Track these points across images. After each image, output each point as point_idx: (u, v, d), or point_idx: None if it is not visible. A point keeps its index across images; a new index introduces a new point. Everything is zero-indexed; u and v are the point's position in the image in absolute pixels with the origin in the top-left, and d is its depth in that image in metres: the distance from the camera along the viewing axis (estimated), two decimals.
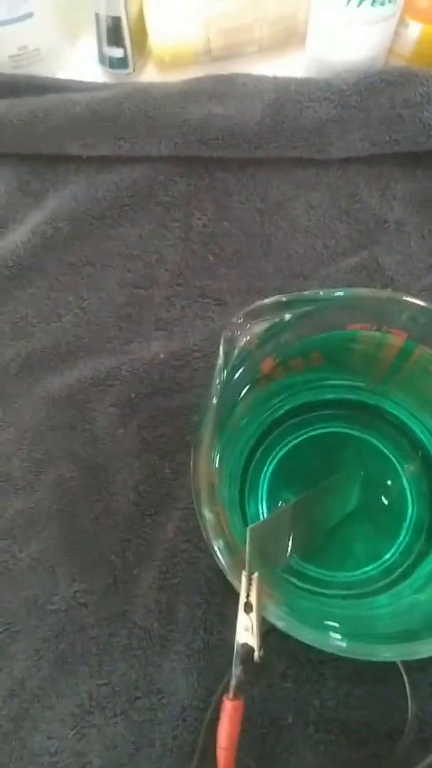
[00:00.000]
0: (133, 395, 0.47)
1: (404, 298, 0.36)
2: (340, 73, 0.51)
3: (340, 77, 0.50)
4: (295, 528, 0.38)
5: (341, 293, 0.36)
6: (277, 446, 0.44)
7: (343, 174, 0.53)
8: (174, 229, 0.51)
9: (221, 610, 0.44)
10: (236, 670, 0.32)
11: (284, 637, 0.43)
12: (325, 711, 0.42)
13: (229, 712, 0.32)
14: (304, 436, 0.45)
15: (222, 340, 0.34)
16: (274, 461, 0.44)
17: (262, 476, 0.44)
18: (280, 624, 0.32)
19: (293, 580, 0.42)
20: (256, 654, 0.31)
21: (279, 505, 0.42)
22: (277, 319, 0.35)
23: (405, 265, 0.51)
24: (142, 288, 0.51)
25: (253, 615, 0.31)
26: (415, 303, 0.36)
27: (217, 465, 0.36)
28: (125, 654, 0.43)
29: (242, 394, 0.38)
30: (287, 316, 0.35)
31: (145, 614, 0.44)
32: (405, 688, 0.42)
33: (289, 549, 0.35)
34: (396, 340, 0.38)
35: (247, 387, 0.38)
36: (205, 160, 0.52)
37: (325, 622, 0.36)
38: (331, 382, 0.44)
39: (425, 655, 0.31)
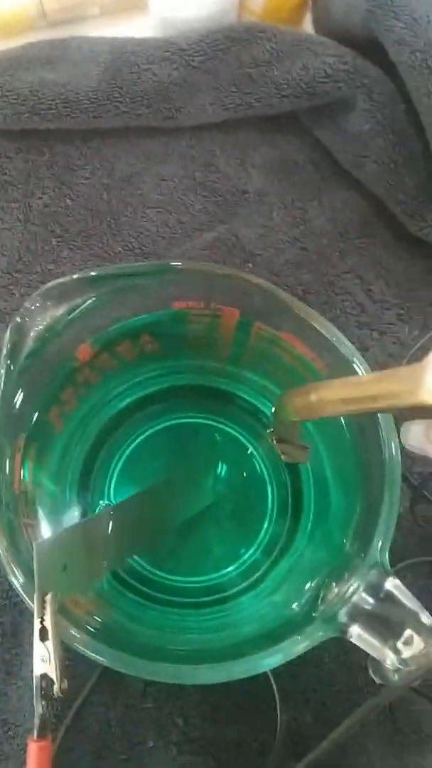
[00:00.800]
0: None
1: (230, 273, 0.32)
2: (184, 32, 0.47)
3: (183, 36, 0.46)
4: (126, 533, 0.33)
5: (158, 266, 0.32)
6: (123, 443, 0.40)
7: (196, 143, 0.49)
8: (11, 211, 0.47)
9: None
10: (38, 707, 0.27)
11: None
12: (189, 730, 0.39)
13: (35, 754, 0.27)
14: (154, 429, 0.41)
15: (9, 328, 0.29)
16: (122, 459, 0.40)
17: (108, 476, 0.40)
18: (100, 660, 0.28)
19: (145, 589, 0.38)
20: (56, 687, 0.27)
21: None
22: (79, 300, 0.31)
23: (267, 239, 0.47)
24: None
25: (50, 642, 0.27)
26: (243, 279, 0.32)
27: (26, 473, 0.32)
28: None
29: (60, 388, 0.34)
30: (93, 296, 0.31)
31: None
32: (274, 698, 0.38)
33: (106, 561, 0.31)
34: (229, 317, 0.34)
35: (64, 378, 0.34)
36: (43, 133, 0.47)
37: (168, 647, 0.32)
38: (174, 368, 0.40)
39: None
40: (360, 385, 0.24)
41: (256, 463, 0.40)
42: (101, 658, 0.27)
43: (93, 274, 0.30)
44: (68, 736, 0.38)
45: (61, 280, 0.30)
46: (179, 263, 0.31)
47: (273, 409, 0.32)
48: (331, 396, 0.26)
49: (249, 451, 0.40)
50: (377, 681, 0.35)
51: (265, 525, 0.40)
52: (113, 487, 0.40)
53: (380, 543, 0.29)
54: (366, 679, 0.39)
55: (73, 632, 0.27)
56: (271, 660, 0.27)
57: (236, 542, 0.40)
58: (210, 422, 0.41)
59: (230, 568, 0.39)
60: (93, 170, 0.48)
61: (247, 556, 0.39)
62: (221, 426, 0.41)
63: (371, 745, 0.39)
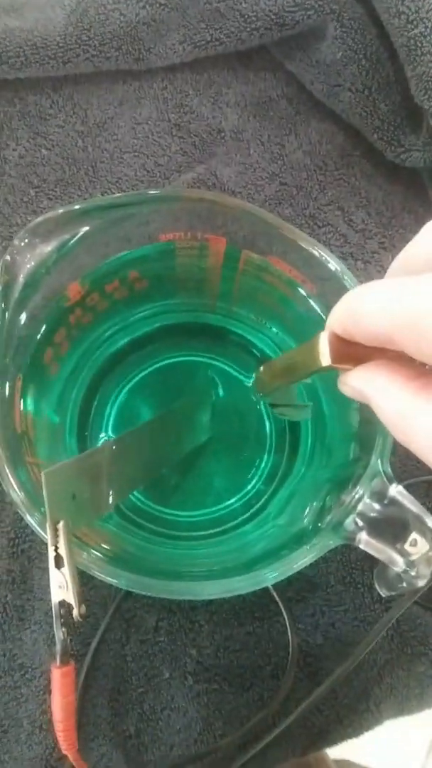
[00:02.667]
0: None
1: (214, 198, 0.32)
2: None
3: None
4: (129, 465, 0.34)
5: (144, 194, 0.32)
6: (120, 383, 0.40)
7: (169, 84, 0.48)
8: None
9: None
10: (59, 633, 0.28)
11: None
12: (203, 659, 0.40)
13: (58, 680, 0.28)
14: (149, 370, 0.41)
15: None
16: (118, 400, 0.40)
17: (105, 418, 0.40)
18: (114, 582, 0.28)
19: (152, 526, 0.38)
20: (75, 611, 0.27)
21: None
22: (68, 236, 0.31)
23: (246, 176, 0.47)
24: None
25: (66, 569, 0.27)
26: (227, 204, 0.32)
27: (27, 410, 0.32)
28: None
29: (52, 329, 0.34)
30: (81, 231, 0.31)
31: None
32: (284, 623, 0.39)
33: (112, 491, 0.31)
34: (216, 247, 0.34)
35: (56, 319, 0.34)
36: (12, 83, 0.47)
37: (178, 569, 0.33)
38: (165, 307, 0.40)
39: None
40: (283, 361, 0.31)
41: (252, 396, 0.40)
42: (116, 581, 0.28)
43: (78, 206, 0.30)
44: (87, 675, 0.39)
45: (48, 214, 0.30)
46: (166, 190, 0.31)
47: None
48: (270, 372, 0.33)
49: (244, 386, 0.41)
50: (383, 594, 0.36)
51: (265, 456, 0.40)
52: (111, 428, 0.40)
53: (381, 452, 0.29)
54: (372, 598, 0.41)
55: (87, 559, 0.28)
56: (274, 574, 0.28)
57: (237, 475, 0.40)
58: (204, 360, 0.41)
59: (232, 500, 0.40)
60: (66, 118, 0.47)
61: (249, 487, 0.40)
62: (216, 363, 0.41)
63: (380, 659, 0.40)
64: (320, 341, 0.24)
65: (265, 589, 0.40)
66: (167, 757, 0.38)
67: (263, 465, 0.40)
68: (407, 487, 0.39)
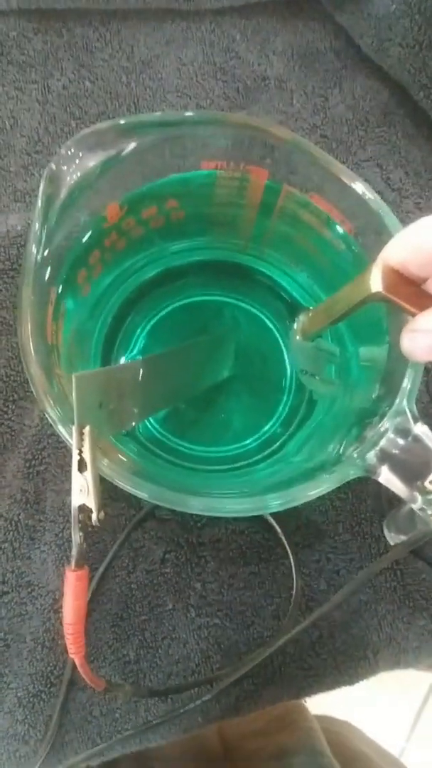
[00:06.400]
0: None
1: (260, 125, 0.32)
2: None
3: None
4: (153, 386, 0.34)
5: (191, 116, 0.32)
6: (147, 315, 0.41)
7: (216, 27, 0.48)
8: (30, 92, 0.46)
9: None
10: (76, 537, 0.28)
11: (162, 521, 0.40)
12: (207, 594, 0.40)
13: (72, 583, 0.29)
14: (177, 305, 0.41)
15: (43, 177, 0.30)
16: (144, 331, 0.41)
17: (130, 347, 0.40)
18: (138, 493, 0.29)
19: (169, 457, 0.39)
20: (94, 516, 0.28)
21: None
22: (114, 151, 0.31)
23: (287, 126, 0.47)
24: None
25: (88, 474, 0.27)
26: (273, 133, 0.32)
27: (58, 324, 0.32)
28: None
29: (88, 248, 0.34)
30: (127, 147, 0.31)
31: (11, 505, 0.40)
32: (290, 566, 0.40)
33: (137, 408, 0.32)
34: (257, 179, 0.34)
35: (94, 239, 0.34)
36: (61, 13, 0.47)
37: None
38: (199, 242, 0.40)
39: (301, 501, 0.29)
40: (331, 298, 0.31)
41: (276, 339, 0.41)
42: (140, 492, 0.28)
43: (126, 121, 0.30)
44: (92, 599, 0.40)
45: (97, 126, 0.30)
46: (213, 113, 0.31)
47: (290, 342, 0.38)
48: (316, 312, 0.34)
49: (269, 329, 0.41)
50: (391, 542, 0.37)
51: (284, 398, 0.40)
52: (135, 358, 0.40)
53: (408, 389, 0.29)
54: (379, 549, 0.41)
55: (112, 468, 0.28)
56: (306, 493, 0.28)
57: (256, 416, 0.40)
58: (232, 300, 0.41)
59: (249, 440, 0.40)
60: (112, 53, 0.47)
61: (266, 428, 0.40)
62: (243, 304, 0.41)
63: (382, 610, 0.41)
64: (372, 269, 0.26)
65: (273, 532, 0.40)
66: (164, 685, 0.39)
67: (281, 408, 0.40)
68: None
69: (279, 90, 0.47)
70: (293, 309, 0.40)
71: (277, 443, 0.39)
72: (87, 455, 0.27)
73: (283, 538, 0.41)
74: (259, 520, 0.41)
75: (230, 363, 0.40)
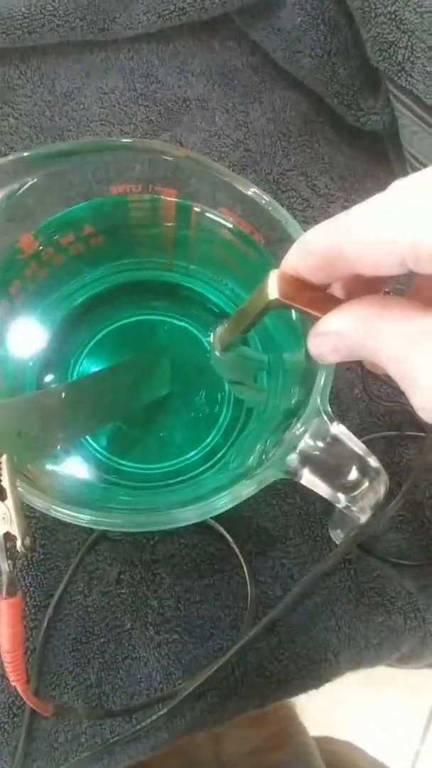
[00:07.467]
0: None
1: (155, 146, 0.33)
2: None
3: None
4: (80, 409, 0.35)
5: (91, 142, 0.33)
6: (84, 339, 0.41)
7: (135, 54, 0.49)
8: None
9: (43, 523, 0.41)
10: (3, 565, 0.29)
11: (115, 541, 0.41)
12: (164, 610, 0.40)
13: (6, 611, 0.29)
14: (109, 329, 0.42)
15: None
16: (82, 356, 0.41)
17: (70, 373, 0.41)
18: (77, 518, 0.29)
19: (112, 478, 0.39)
20: (18, 542, 0.28)
21: None
22: (16, 185, 0.32)
23: (210, 143, 0.48)
24: None
25: (9, 501, 0.28)
26: (170, 152, 0.33)
27: None
28: None
29: (7, 280, 0.35)
30: (30, 179, 0.32)
31: None
32: (244, 575, 0.40)
33: (62, 434, 0.32)
34: (167, 199, 0.35)
35: (13, 271, 0.34)
36: None
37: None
38: (124, 265, 0.41)
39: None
40: (243, 307, 0.31)
41: (210, 353, 0.41)
42: (79, 517, 0.28)
43: (26, 154, 0.31)
44: (49, 625, 0.40)
45: None
46: (112, 140, 0.32)
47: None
48: (226, 324, 0.34)
49: (203, 344, 0.41)
50: (336, 540, 0.37)
51: (224, 409, 0.41)
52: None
53: (320, 391, 0.30)
54: (330, 549, 0.41)
55: (46, 500, 0.29)
56: (222, 502, 0.29)
57: (197, 429, 0.41)
58: (164, 318, 0.42)
59: (191, 453, 0.40)
60: (34, 88, 0.48)
61: (208, 440, 0.40)
62: (175, 321, 0.42)
63: (339, 610, 0.41)
64: (270, 277, 0.26)
65: (226, 543, 0.41)
66: (128, 705, 0.39)
67: (222, 419, 0.41)
68: (366, 443, 0.40)
69: (201, 109, 0.48)
70: (223, 321, 0.40)
71: (219, 453, 0.40)
72: (6, 483, 0.28)
73: (235, 547, 0.41)
74: (211, 531, 0.41)
75: (167, 380, 0.40)
